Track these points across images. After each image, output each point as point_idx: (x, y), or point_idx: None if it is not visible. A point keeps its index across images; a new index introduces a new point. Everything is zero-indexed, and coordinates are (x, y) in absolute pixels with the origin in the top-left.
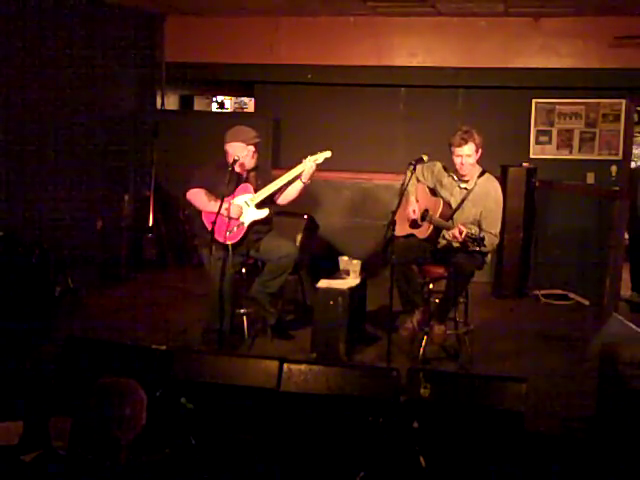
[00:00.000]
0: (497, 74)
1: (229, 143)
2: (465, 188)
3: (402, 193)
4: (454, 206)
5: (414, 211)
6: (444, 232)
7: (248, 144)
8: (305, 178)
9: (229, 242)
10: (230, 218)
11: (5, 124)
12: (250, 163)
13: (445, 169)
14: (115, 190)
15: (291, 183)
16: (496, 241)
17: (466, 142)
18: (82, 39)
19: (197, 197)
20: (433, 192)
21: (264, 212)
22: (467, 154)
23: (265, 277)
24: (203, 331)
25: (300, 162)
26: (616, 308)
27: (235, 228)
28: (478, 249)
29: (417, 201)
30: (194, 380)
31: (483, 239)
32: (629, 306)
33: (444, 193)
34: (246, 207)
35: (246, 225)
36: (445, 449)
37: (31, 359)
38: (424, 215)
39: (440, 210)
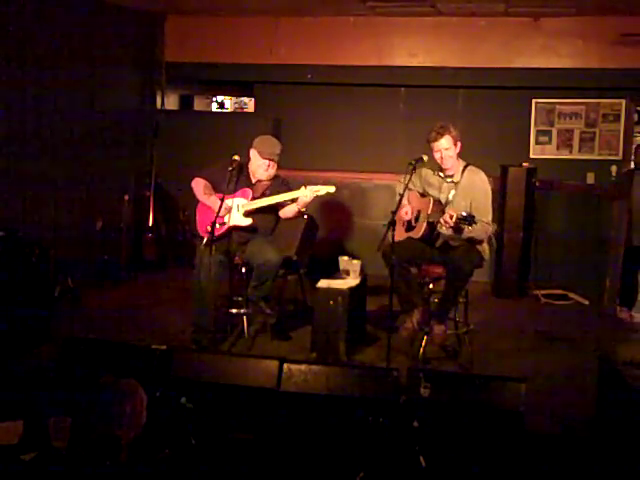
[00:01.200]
0: (497, 74)
1: (251, 148)
2: (452, 182)
3: (401, 197)
4: (444, 201)
5: (407, 212)
6: (440, 228)
7: (262, 157)
8: (300, 205)
9: (206, 236)
10: (217, 215)
11: (5, 124)
12: (262, 174)
13: (431, 170)
14: (115, 190)
15: (287, 203)
16: (490, 229)
17: (442, 135)
18: (82, 39)
19: (197, 186)
20: (423, 195)
21: (247, 221)
22: (445, 147)
23: (254, 282)
24: (192, 330)
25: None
26: (615, 308)
27: (218, 225)
28: (470, 228)
29: (410, 206)
30: (194, 380)
31: (473, 216)
32: None
33: (433, 192)
34: (235, 210)
35: (226, 227)
36: (445, 449)
37: (31, 359)
38: (417, 216)
39: (431, 208)
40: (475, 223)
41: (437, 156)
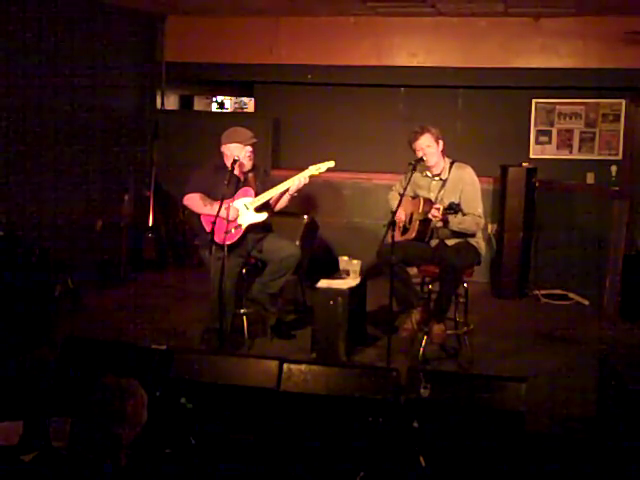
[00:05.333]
0: (497, 74)
1: (225, 145)
2: (440, 179)
3: (401, 196)
4: (434, 199)
5: (399, 217)
6: (433, 226)
7: (245, 145)
8: (292, 191)
9: (227, 243)
10: (228, 220)
11: (5, 124)
12: (248, 164)
13: (419, 172)
14: (115, 190)
15: (289, 190)
16: (481, 222)
17: (421, 134)
18: (82, 39)
19: (193, 202)
20: (414, 197)
21: (262, 216)
22: (427, 144)
23: (266, 278)
24: (203, 331)
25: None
26: (616, 308)
27: (233, 229)
28: (457, 216)
29: (402, 211)
30: (194, 380)
31: (458, 204)
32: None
33: (423, 192)
34: (245, 210)
35: (244, 227)
36: (445, 449)
37: (31, 359)
38: (410, 219)
39: (422, 207)
40: (461, 211)
41: (420, 155)
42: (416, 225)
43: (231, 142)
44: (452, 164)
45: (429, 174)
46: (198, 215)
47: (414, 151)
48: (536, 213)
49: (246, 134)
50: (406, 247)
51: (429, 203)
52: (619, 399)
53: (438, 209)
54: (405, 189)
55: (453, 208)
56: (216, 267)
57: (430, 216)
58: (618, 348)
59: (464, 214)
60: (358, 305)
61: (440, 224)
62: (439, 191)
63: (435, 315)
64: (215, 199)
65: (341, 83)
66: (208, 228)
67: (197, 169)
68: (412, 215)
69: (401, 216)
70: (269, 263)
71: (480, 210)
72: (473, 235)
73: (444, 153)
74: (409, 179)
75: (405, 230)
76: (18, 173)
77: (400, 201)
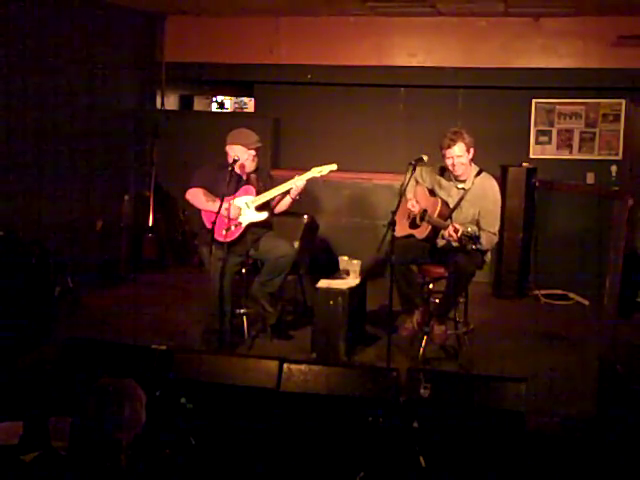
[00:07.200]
0: (497, 74)
1: (230, 145)
2: (462, 188)
3: (402, 193)
4: (452, 206)
5: (413, 205)
6: (442, 232)
7: (249, 148)
8: (293, 194)
9: (227, 240)
10: (229, 218)
11: (5, 124)
12: (250, 166)
13: (443, 171)
14: (115, 190)
15: (290, 192)
16: (495, 240)
17: (455, 142)
18: (82, 39)
19: (196, 197)
20: (432, 193)
21: (263, 215)
22: (457, 155)
23: (264, 277)
24: (203, 331)
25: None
26: (616, 308)
27: (233, 227)
28: (474, 247)
29: (416, 201)
30: (194, 380)
31: (479, 237)
32: None
33: (442, 194)
34: (246, 208)
35: (244, 225)
36: (445, 449)
37: (31, 359)
38: (423, 215)
39: (438, 210)
40: (480, 245)
41: (449, 162)
42: (428, 229)
43: (235, 143)
44: (478, 174)
45: (453, 178)
46: (199, 212)
47: (443, 156)
48: (536, 213)
49: (251, 137)
50: (411, 246)
51: (446, 208)
52: (619, 399)
53: (457, 231)
54: (405, 189)
55: (472, 239)
56: (216, 267)
57: (446, 234)
58: (618, 348)
59: (481, 230)
60: (358, 305)
61: (455, 244)
62: (459, 200)
63: (437, 316)
64: (216, 196)
65: (341, 83)
66: (209, 226)
67: (200, 166)
68: (425, 212)
69: (413, 206)
70: (265, 262)
71: (497, 228)
72: (485, 252)
73: (472, 161)
74: (409, 180)
75: (414, 225)
76: (18, 173)
77: (400, 201)
